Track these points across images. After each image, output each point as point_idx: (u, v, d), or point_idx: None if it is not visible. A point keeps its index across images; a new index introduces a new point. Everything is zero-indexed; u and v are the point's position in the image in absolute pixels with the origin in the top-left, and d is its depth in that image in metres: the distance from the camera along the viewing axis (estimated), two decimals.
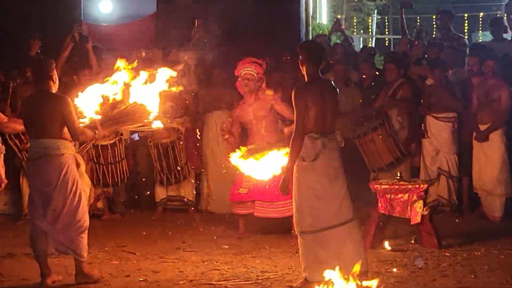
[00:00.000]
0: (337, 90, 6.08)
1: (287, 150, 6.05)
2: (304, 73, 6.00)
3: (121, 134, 9.08)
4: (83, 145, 6.87)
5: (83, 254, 6.27)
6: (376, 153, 9.13)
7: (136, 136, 9.77)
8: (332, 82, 6.14)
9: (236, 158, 6.72)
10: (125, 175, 9.26)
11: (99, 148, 8.96)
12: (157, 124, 6.51)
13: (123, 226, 8.83)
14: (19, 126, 6.84)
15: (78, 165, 6.32)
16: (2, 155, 7.20)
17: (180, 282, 6.35)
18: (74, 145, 6.46)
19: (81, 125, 6.24)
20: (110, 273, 6.68)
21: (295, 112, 5.87)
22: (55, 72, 6.32)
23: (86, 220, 6.29)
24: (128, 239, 8.07)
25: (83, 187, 6.38)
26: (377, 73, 9.96)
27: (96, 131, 6.31)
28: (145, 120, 6.39)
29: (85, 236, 6.28)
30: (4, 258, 7.31)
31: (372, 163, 9.21)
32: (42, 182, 6.17)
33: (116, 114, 6.36)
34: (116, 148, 9.08)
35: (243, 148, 6.87)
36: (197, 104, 9.67)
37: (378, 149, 9.12)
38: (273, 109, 7.98)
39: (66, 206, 6.15)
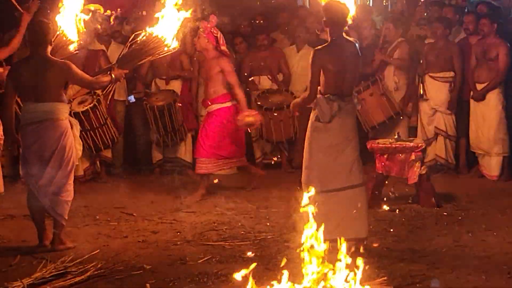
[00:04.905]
0: (359, 52, 5.94)
1: None
2: (328, 34, 5.89)
3: (98, 95, 8.75)
4: (106, 91, 6.75)
5: (65, 218, 6.25)
6: (369, 111, 9.11)
7: (132, 98, 9.71)
8: (356, 44, 5.97)
9: None
10: (114, 135, 9.11)
11: (81, 115, 8.60)
12: None
13: (121, 188, 8.82)
14: None
15: (71, 127, 6.29)
16: None
17: (178, 243, 6.37)
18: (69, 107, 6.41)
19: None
20: (108, 234, 6.71)
21: (310, 73, 5.82)
22: (52, 35, 6.21)
23: (72, 185, 6.29)
24: (126, 200, 8.08)
25: (76, 146, 6.35)
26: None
27: (112, 74, 6.27)
28: (163, 50, 6.26)
29: (71, 201, 6.28)
30: (3, 220, 7.33)
31: (365, 122, 9.19)
32: (41, 146, 6.11)
33: (132, 50, 6.28)
34: (97, 111, 8.83)
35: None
36: (193, 66, 9.60)
37: (370, 108, 9.09)
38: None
39: (61, 170, 6.13)
